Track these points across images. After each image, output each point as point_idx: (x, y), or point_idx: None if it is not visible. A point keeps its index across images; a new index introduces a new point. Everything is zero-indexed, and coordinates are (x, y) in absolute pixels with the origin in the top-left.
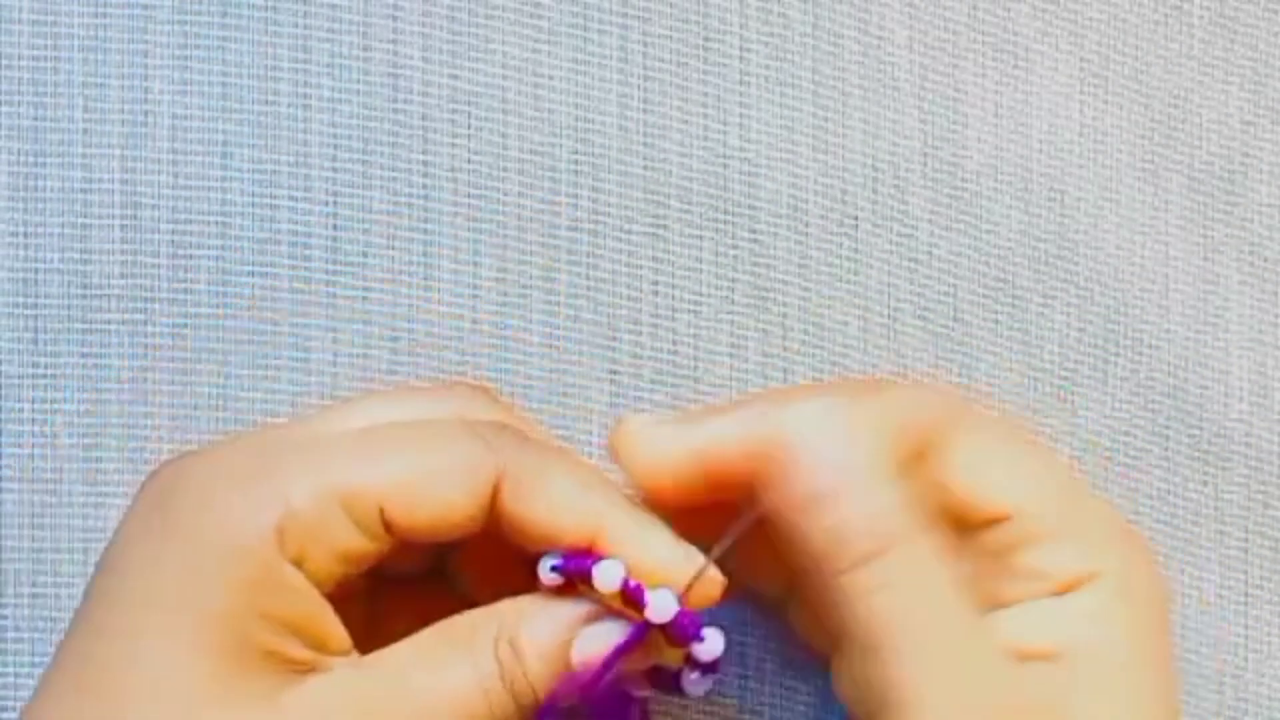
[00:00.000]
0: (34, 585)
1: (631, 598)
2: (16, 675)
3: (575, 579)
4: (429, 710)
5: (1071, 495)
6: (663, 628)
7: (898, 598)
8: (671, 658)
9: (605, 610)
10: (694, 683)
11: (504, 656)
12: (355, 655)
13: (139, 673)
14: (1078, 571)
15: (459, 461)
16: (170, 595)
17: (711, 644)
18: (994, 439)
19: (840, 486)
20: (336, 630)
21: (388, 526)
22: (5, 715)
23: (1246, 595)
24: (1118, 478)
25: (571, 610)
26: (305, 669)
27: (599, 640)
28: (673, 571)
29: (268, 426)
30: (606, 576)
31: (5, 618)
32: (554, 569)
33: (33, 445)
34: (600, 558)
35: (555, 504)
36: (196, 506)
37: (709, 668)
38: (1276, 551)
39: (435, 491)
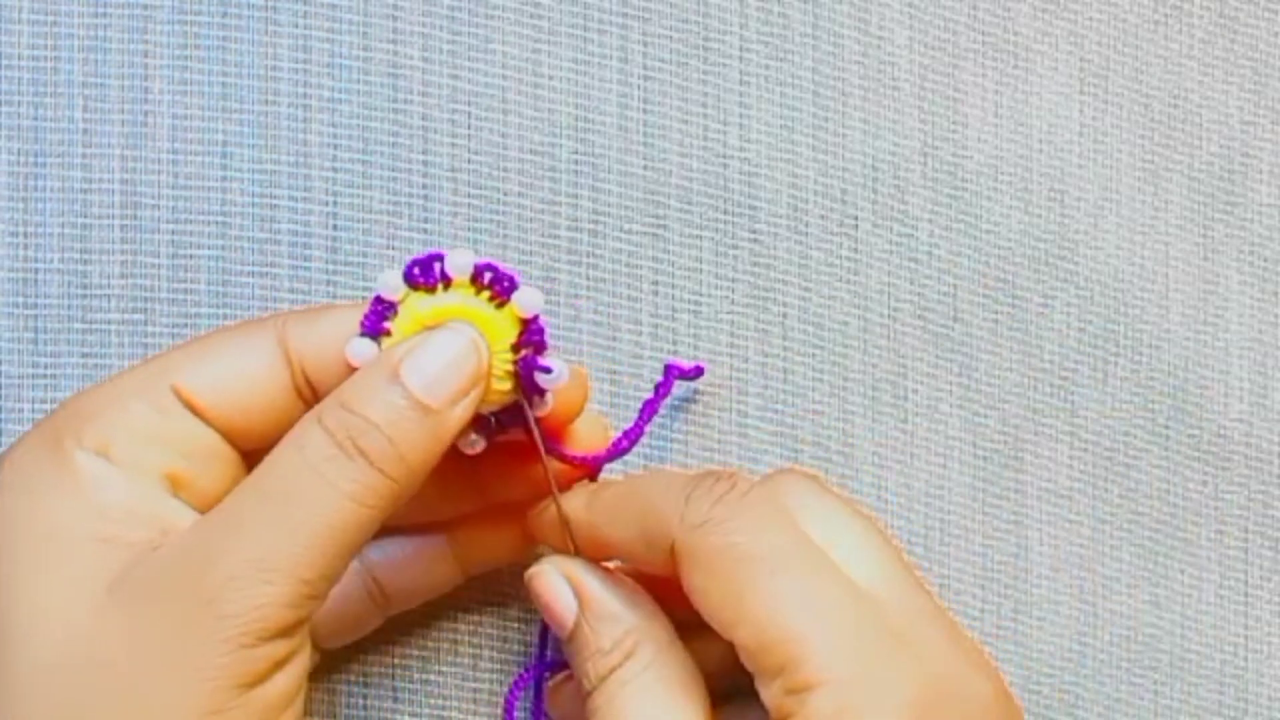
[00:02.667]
0: None
1: (424, 266)
2: None
3: (379, 327)
4: (262, 531)
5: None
6: (482, 287)
7: (631, 709)
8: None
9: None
10: (549, 381)
11: (332, 423)
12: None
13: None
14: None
15: (239, 334)
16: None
17: (527, 292)
18: (731, 560)
19: (582, 618)
20: (174, 513)
21: (191, 406)
22: None
23: (1246, 595)
24: (1118, 478)
25: (389, 353)
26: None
27: (431, 355)
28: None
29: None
30: (388, 279)
31: None
32: (361, 335)
33: None
34: (437, 252)
35: (338, 326)
36: (12, 449)
37: (539, 344)
38: (1276, 551)
39: (227, 362)
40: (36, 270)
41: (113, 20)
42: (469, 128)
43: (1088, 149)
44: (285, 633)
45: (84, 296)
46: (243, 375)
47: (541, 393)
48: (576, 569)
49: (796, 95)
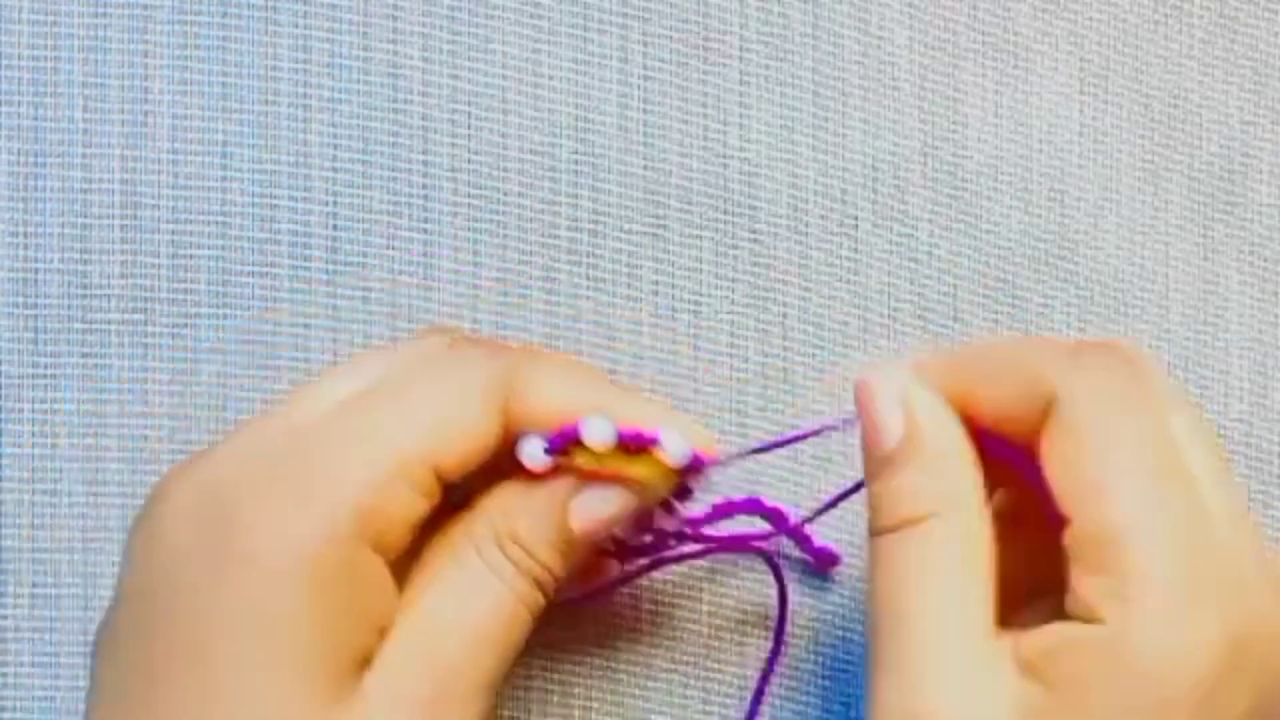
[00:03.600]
0: (34, 585)
1: (631, 442)
2: (16, 675)
3: (564, 447)
4: (478, 638)
5: (1186, 546)
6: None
7: (913, 575)
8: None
9: (587, 480)
10: (687, 503)
11: (513, 554)
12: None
13: (232, 702)
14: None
15: (474, 384)
16: (252, 620)
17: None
18: (1102, 434)
19: (900, 450)
20: (396, 602)
21: (440, 478)
22: (5, 715)
23: None
24: None
25: (554, 487)
26: (370, 654)
27: (592, 506)
28: (664, 421)
29: (264, 420)
30: (598, 429)
31: (5, 618)
32: (546, 450)
33: (33, 445)
34: (579, 424)
35: (555, 389)
36: (252, 526)
37: (688, 493)
38: (1277, 552)
39: (471, 426)
40: (36, 270)
41: (113, 20)
42: (469, 128)
43: (1088, 149)
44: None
45: (84, 296)
46: (478, 439)
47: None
48: (917, 392)
49: (796, 95)
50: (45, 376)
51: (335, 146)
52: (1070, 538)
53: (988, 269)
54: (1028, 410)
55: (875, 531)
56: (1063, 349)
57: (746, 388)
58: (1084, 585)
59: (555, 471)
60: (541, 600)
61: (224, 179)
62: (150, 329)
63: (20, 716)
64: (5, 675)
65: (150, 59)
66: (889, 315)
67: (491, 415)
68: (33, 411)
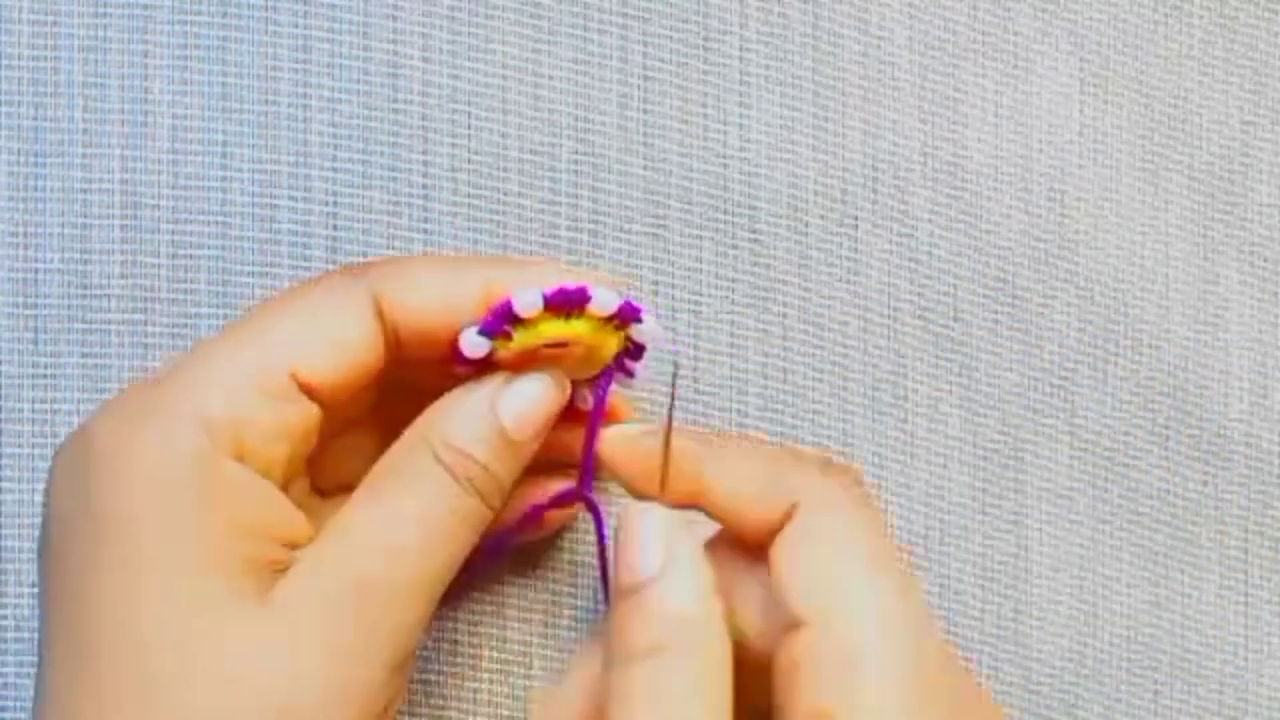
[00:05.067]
0: (34, 585)
1: (560, 302)
2: (17, 675)
3: (499, 329)
4: (413, 556)
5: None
6: (611, 318)
7: (647, 705)
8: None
9: (514, 373)
10: (639, 369)
11: (449, 460)
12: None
13: (138, 606)
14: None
15: (337, 297)
16: (133, 538)
17: (649, 324)
18: (837, 544)
19: (652, 579)
20: (300, 521)
21: (305, 390)
22: (5, 715)
23: (1246, 595)
24: (1118, 478)
25: (485, 387)
26: (284, 566)
27: (522, 395)
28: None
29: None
30: (526, 298)
31: (5, 618)
32: (480, 332)
33: (33, 445)
34: (509, 298)
35: (434, 284)
36: (115, 452)
37: (640, 351)
38: (1276, 551)
39: (331, 333)
40: (36, 270)
41: (113, 20)
42: (469, 128)
43: (1088, 149)
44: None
45: (84, 296)
46: (348, 348)
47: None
48: (674, 527)
49: (796, 95)
50: (45, 376)
51: (335, 146)
52: (801, 643)
53: (988, 269)
54: (769, 510)
55: (614, 658)
56: (809, 459)
57: (746, 388)
58: (818, 692)
59: (491, 366)
60: (482, 509)
61: (224, 179)
62: (150, 329)
63: (20, 716)
64: (5, 675)
65: (150, 59)
66: (889, 315)
67: (361, 319)
68: (33, 411)
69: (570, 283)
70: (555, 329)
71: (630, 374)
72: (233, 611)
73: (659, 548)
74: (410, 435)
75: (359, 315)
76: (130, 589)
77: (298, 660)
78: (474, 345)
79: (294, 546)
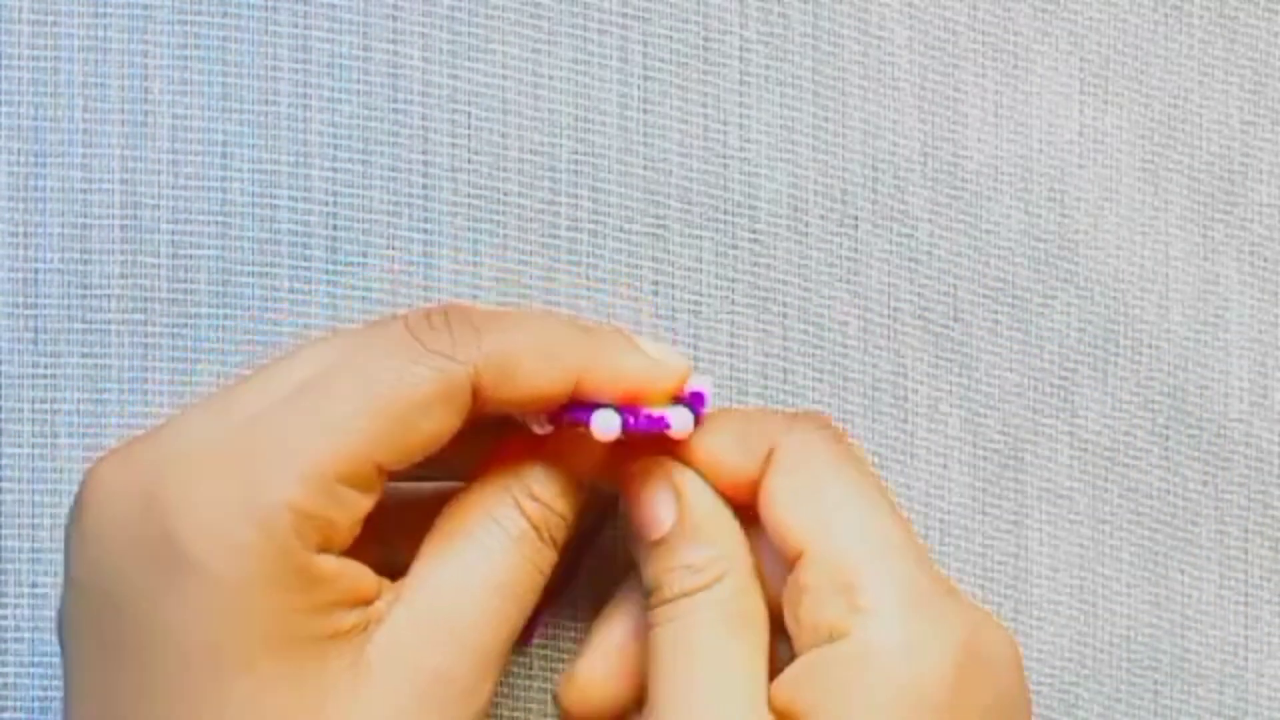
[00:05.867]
0: (34, 585)
1: (640, 430)
2: (17, 675)
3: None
4: (489, 605)
5: (874, 547)
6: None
7: (685, 645)
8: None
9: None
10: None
11: (531, 511)
12: (389, 586)
13: (200, 708)
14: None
15: (433, 383)
16: (201, 627)
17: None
18: (819, 474)
19: (672, 533)
20: (370, 578)
21: (384, 472)
22: (5, 715)
23: (1246, 595)
24: (1118, 478)
25: (558, 439)
26: (362, 627)
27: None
28: (660, 378)
29: (206, 407)
30: (605, 424)
31: (5, 618)
32: (549, 422)
33: (33, 445)
34: (591, 407)
35: (533, 379)
36: (193, 531)
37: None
38: (1276, 551)
39: (422, 425)
40: (36, 270)
41: (113, 20)
42: (469, 128)
43: (1088, 149)
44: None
45: (84, 296)
46: (433, 443)
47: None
48: (685, 478)
49: (796, 95)
50: (45, 376)
51: (335, 146)
52: (803, 570)
53: (988, 269)
54: (748, 458)
55: (651, 605)
56: (778, 414)
57: (746, 388)
58: (824, 610)
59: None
60: (554, 557)
61: (224, 179)
62: (150, 329)
63: (20, 716)
64: (5, 675)
65: (150, 59)
66: (889, 315)
67: (457, 414)
68: (33, 411)
69: (654, 412)
70: None
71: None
72: (311, 688)
73: (671, 498)
74: (492, 493)
75: (457, 407)
76: (192, 679)
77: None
78: (607, 426)
79: (368, 601)
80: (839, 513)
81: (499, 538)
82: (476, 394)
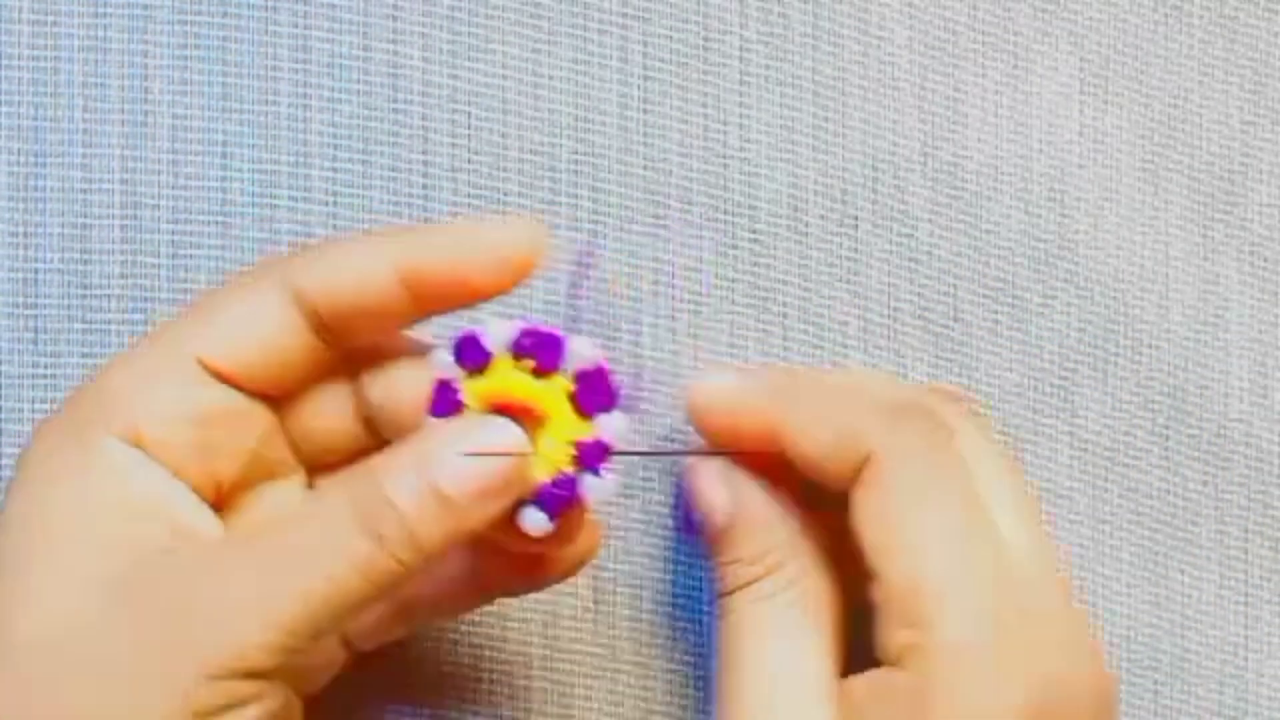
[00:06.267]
0: None
1: (537, 344)
2: None
3: (470, 363)
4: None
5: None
6: (584, 378)
7: (751, 633)
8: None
9: (466, 431)
10: (597, 485)
11: (386, 531)
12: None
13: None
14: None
15: (246, 289)
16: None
17: (618, 423)
18: (907, 494)
19: (732, 524)
20: (190, 509)
21: (218, 375)
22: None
23: (1246, 595)
24: (1118, 478)
25: (430, 443)
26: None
27: (464, 469)
28: (478, 243)
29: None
30: (500, 331)
31: None
32: (455, 357)
33: None
34: (475, 330)
35: (348, 265)
36: (42, 461)
37: (605, 453)
38: (1276, 551)
39: (239, 319)
40: (36, 270)
41: (113, 20)
42: (469, 128)
43: (1088, 149)
44: (254, 675)
45: (84, 296)
46: (259, 333)
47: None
48: (735, 474)
49: (796, 95)
50: (45, 376)
51: (335, 146)
52: (877, 591)
53: (988, 269)
54: (843, 464)
55: (720, 594)
56: (882, 408)
57: None
58: (891, 638)
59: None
60: (395, 570)
61: (224, 179)
62: (150, 329)
63: None
64: None
65: (150, 59)
66: (889, 315)
67: (271, 304)
68: (33, 411)
69: (544, 327)
70: (485, 393)
71: (595, 472)
72: (76, 583)
73: (722, 495)
74: (346, 475)
75: (269, 304)
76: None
77: (118, 640)
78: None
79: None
80: (920, 538)
81: (316, 524)
82: (301, 296)
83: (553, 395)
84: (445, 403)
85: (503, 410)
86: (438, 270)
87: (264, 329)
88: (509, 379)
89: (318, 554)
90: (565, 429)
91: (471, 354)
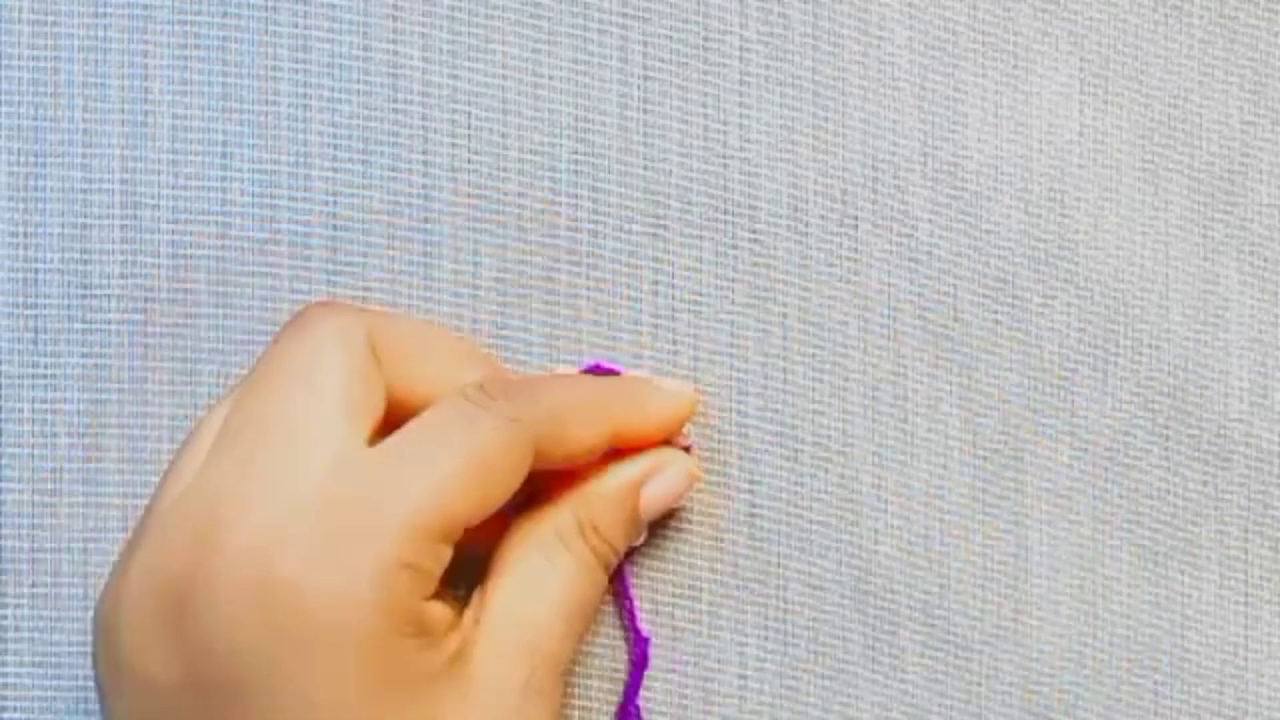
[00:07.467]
0: (34, 585)
1: None
2: (17, 675)
3: None
4: (569, 626)
5: None
6: None
7: None
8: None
9: (655, 466)
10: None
11: (594, 543)
12: (464, 606)
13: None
14: None
15: (507, 444)
16: (342, 687)
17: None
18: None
19: None
20: (451, 605)
21: (465, 527)
22: (5, 715)
23: (1246, 595)
24: (1118, 478)
25: (627, 476)
26: (459, 651)
27: (660, 490)
28: (679, 411)
29: (292, 472)
30: None
31: (5, 618)
32: None
33: (33, 445)
34: None
35: (580, 432)
36: (325, 601)
37: None
38: (1276, 551)
39: (498, 482)
40: (36, 270)
41: (113, 20)
42: (469, 128)
43: (1088, 149)
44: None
45: (84, 296)
46: (506, 496)
47: None
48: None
49: (796, 95)
50: (45, 376)
51: (335, 146)
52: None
53: (988, 269)
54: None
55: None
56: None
57: (746, 388)
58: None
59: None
60: (605, 582)
61: (224, 179)
62: (150, 329)
63: (20, 717)
64: (5, 675)
65: (150, 59)
66: (889, 315)
67: (519, 471)
68: (33, 411)
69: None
70: None
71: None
72: (443, 708)
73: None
74: (563, 519)
75: (524, 466)
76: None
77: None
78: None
79: (454, 626)
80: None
81: (570, 564)
82: (537, 449)
83: None
84: None
85: None
86: (641, 440)
87: (510, 490)
88: None
89: (576, 588)
90: None
91: None
